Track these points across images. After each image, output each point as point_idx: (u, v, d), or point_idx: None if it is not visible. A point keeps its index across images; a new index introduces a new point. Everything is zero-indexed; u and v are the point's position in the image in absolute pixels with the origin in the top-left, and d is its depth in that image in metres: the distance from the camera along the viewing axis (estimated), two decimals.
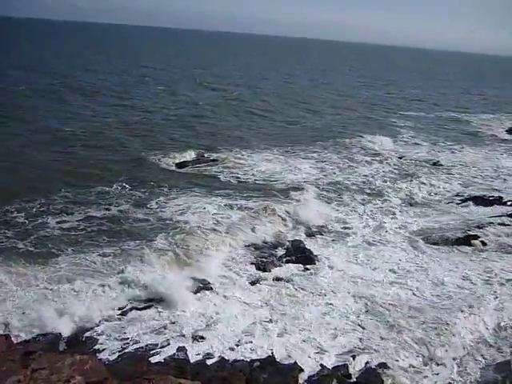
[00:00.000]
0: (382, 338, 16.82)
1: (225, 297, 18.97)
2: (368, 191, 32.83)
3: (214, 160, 37.25)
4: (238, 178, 33.81)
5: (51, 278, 18.83)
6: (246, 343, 16.15)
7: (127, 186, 29.82)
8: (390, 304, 18.95)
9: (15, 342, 14.06)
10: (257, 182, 33.33)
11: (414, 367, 15.48)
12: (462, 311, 18.50)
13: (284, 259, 22.48)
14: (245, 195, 29.91)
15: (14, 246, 21.40)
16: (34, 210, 25.14)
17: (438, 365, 15.65)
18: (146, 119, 50.70)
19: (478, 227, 26.70)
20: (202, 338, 16.24)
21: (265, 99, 70.21)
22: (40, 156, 34.23)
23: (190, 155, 37.85)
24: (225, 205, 27.96)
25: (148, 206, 27.16)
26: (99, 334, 16.15)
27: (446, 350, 16.27)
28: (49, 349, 13.70)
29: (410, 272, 21.79)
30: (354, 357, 15.70)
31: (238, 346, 16.01)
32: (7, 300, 17.10)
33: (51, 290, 18.08)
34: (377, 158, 41.28)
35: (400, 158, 42.23)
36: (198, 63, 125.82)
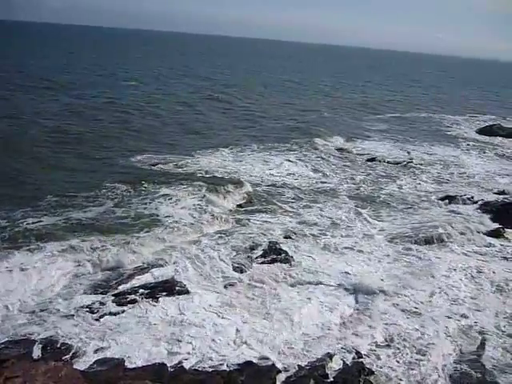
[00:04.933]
0: (357, 337, 17.01)
1: (202, 299, 18.86)
2: (342, 194, 33.05)
3: (181, 161, 37.30)
4: (205, 175, 34.07)
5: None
6: (223, 345, 16.10)
7: (108, 186, 29.75)
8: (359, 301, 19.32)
9: None
10: (226, 179, 33.44)
11: (391, 367, 15.68)
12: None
13: (260, 260, 22.51)
14: (215, 194, 29.95)
15: None
16: (17, 215, 24.56)
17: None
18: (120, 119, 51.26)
19: (451, 225, 27.22)
20: (179, 341, 16.12)
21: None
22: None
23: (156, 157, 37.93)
24: (191, 203, 28.13)
25: (127, 205, 27.17)
26: (74, 340, 15.88)
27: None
28: (22, 356, 13.44)
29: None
30: (330, 356, 15.81)
31: (214, 348, 15.95)
32: None
33: None
34: (348, 164, 41.44)
35: (372, 159, 42.72)
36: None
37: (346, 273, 21.59)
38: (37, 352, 14.99)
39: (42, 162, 34.39)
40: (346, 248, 24.42)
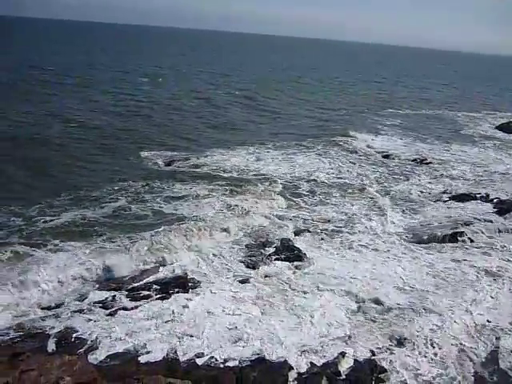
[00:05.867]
0: (371, 335, 16.93)
1: (214, 295, 18.93)
2: (354, 190, 32.91)
3: (199, 157, 37.23)
4: (224, 174, 33.93)
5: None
6: (236, 341, 16.13)
7: (116, 185, 29.78)
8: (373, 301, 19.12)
9: (3, 343, 13.95)
10: (243, 177, 33.43)
11: (402, 363, 15.60)
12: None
13: (273, 257, 22.52)
14: (231, 191, 29.98)
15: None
16: (33, 212, 24.83)
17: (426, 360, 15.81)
18: (134, 115, 51.60)
19: (466, 224, 26.91)
20: (192, 336, 16.20)
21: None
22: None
23: (174, 154, 38.04)
24: (209, 201, 28.11)
25: (142, 202, 27.33)
26: (88, 334, 16.05)
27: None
28: (37, 350, 13.61)
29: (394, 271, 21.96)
30: (343, 354, 15.77)
31: (227, 344, 15.99)
32: None
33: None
34: (364, 159, 41.38)
35: (386, 156, 42.52)
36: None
37: (361, 273, 21.39)
38: (51, 346, 15.18)
39: (57, 158, 34.84)
40: (361, 245, 24.33)
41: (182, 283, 19.58)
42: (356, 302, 19.04)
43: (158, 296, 18.67)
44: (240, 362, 14.98)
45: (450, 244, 24.92)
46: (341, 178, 35.47)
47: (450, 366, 15.59)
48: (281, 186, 32.27)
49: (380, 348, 16.30)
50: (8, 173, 30.54)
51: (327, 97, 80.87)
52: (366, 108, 70.78)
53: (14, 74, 73.78)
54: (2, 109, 47.68)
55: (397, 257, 23.27)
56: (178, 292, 18.96)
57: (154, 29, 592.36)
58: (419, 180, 36.34)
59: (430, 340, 16.67)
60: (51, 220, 23.98)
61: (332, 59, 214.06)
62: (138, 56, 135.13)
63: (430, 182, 35.92)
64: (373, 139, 49.03)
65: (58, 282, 18.80)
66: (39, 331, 15.92)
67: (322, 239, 24.85)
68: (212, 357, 15.21)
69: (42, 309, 17.45)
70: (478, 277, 21.44)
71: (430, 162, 41.29)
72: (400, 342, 16.60)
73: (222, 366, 14.79)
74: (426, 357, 15.93)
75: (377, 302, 19.04)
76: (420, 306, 18.76)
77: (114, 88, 69.11)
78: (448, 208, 30.48)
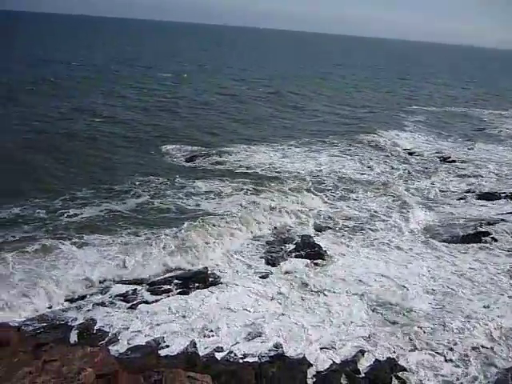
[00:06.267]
0: (391, 334, 16.79)
1: (234, 291, 19.00)
2: (377, 187, 32.64)
3: (222, 154, 37.18)
4: (247, 170, 33.95)
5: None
6: (256, 337, 16.17)
7: (140, 179, 30.11)
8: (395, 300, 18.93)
9: (27, 334, 14.20)
10: (266, 174, 33.32)
11: (422, 363, 15.46)
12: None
13: (293, 254, 22.48)
14: (254, 188, 29.94)
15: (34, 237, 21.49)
16: (56, 206, 25.26)
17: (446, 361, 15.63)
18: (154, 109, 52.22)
19: (489, 224, 26.48)
20: (212, 331, 16.30)
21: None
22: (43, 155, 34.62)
23: (197, 149, 38.14)
24: (232, 197, 28.20)
25: (164, 197, 27.50)
26: (109, 327, 16.27)
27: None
28: (60, 341, 13.82)
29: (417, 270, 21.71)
30: (362, 352, 15.69)
31: (247, 339, 16.04)
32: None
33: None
34: (388, 156, 41.00)
35: (410, 154, 42.09)
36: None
37: (383, 272, 21.17)
38: (73, 337, 15.47)
39: (81, 151, 35.41)
40: (383, 243, 24.13)
41: (203, 278, 19.71)
42: (377, 301, 18.86)
43: (179, 290, 18.83)
44: (259, 358, 15.01)
45: (474, 244, 24.50)
46: (364, 175, 35.28)
47: (471, 367, 15.37)
48: (304, 182, 32.10)
49: (400, 347, 16.16)
50: (33, 165, 31.26)
51: (351, 93, 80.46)
52: (390, 104, 70.23)
53: (42, 68, 75.40)
54: (31, 103, 48.73)
55: (420, 256, 22.99)
56: (198, 287, 19.10)
57: (176, 24, 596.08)
58: (443, 178, 35.87)
59: (453, 341, 16.44)
60: (75, 214, 24.40)
61: (357, 55, 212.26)
62: (160, 51, 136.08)
63: (453, 181, 35.41)
64: (397, 136, 48.55)
65: (84, 275, 19.03)
66: (62, 323, 16.24)
67: (344, 236, 24.72)
68: (231, 352, 15.28)
69: (66, 301, 17.75)
70: (502, 278, 21.07)
71: (454, 161, 40.68)
72: (421, 342, 16.43)
73: (241, 361, 14.84)
74: (447, 358, 15.73)
75: (398, 301, 18.86)
76: (443, 307, 18.56)
77: (137, 83, 70.10)
78: (471, 207, 30.02)
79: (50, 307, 17.19)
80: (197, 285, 19.24)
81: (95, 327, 16.16)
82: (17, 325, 14.76)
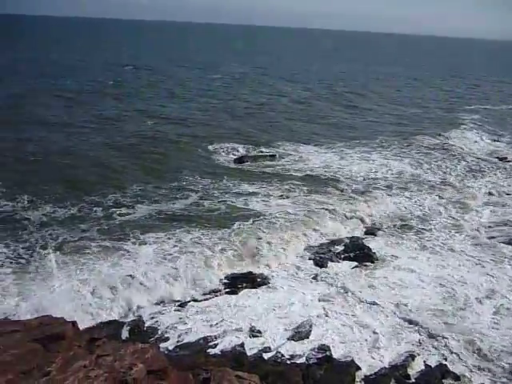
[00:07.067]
0: (443, 340, 16.33)
1: (283, 291, 19.01)
2: (433, 187, 31.80)
3: (272, 155, 37.10)
4: (299, 172, 33.56)
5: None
6: (303, 338, 16.11)
7: (190, 179, 30.55)
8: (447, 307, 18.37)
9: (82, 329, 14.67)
10: (319, 176, 32.93)
11: (471, 370, 14.97)
12: None
13: (342, 256, 22.26)
14: (305, 190, 29.66)
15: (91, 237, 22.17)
16: (109, 203, 26.06)
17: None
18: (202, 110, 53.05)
19: None
20: (259, 331, 16.35)
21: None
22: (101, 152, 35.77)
23: (247, 149, 38.31)
24: (283, 200, 28.03)
25: (213, 198, 27.71)
26: (159, 324, 16.61)
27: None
28: (112, 337, 14.22)
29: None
30: (412, 357, 15.34)
31: (294, 340, 16.00)
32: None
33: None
34: (442, 157, 39.75)
35: (467, 153, 40.82)
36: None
37: (436, 277, 20.50)
38: (125, 333, 15.92)
39: (131, 150, 36.33)
40: (438, 245, 23.51)
41: (251, 278, 19.83)
42: (428, 306, 18.37)
43: (227, 290, 19.01)
44: (307, 359, 14.97)
45: None
46: (420, 176, 34.34)
47: None
48: (357, 184, 31.52)
49: (454, 354, 15.69)
50: (88, 163, 32.46)
51: (405, 91, 79.18)
52: (447, 103, 68.36)
53: (108, 72, 78.78)
54: (97, 104, 51.43)
55: (479, 259, 22.21)
56: (246, 287, 19.21)
57: (219, 26, 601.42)
58: (500, 178, 34.61)
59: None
60: (127, 213, 25.03)
61: (411, 54, 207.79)
62: (207, 53, 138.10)
63: (510, 181, 34.14)
64: (454, 135, 47.10)
65: (133, 272, 19.43)
66: (114, 319, 16.69)
67: (397, 238, 24.22)
68: (278, 352, 15.31)
69: (117, 298, 18.14)
70: None
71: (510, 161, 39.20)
72: (476, 350, 15.86)
73: (288, 362, 14.84)
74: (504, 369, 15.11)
75: (453, 308, 18.28)
76: (502, 317, 17.84)
77: (194, 83, 72.70)
78: None
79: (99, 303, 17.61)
80: (245, 284, 19.38)
81: (146, 325, 16.56)
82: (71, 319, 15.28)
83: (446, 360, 15.30)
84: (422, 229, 25.31)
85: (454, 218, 26.93)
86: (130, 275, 18.85)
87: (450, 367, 14.96)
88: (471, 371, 14.93)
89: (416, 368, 14.90)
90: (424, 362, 15.20)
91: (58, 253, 20.28)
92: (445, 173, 35.30)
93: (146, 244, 21.63)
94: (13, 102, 48.87)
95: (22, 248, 20.72)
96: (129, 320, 16.72)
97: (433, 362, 15.20)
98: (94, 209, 25.19)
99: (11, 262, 19.49)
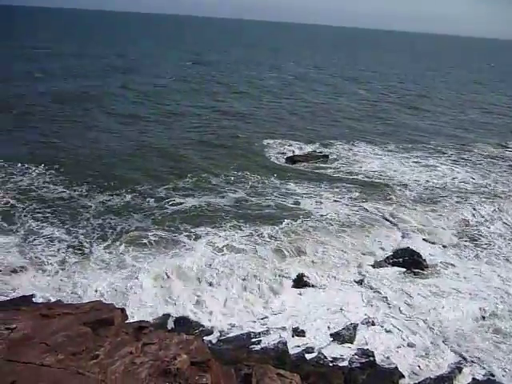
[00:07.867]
0: (493, 355, 15.76)
1: (328, 293, 18.88)
2: (491, 196, 30.62)
3: (325, 156, 36.66)
4: (352, 175, 33.04)
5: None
6: (346, 341, 15.97)
7: (239, 174, 30.87)
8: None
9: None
10: (372, 180, 32.20)
11: None
12: None
13: (391, 261, 21.81)
14: (357, 195, 29.15)
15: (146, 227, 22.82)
16: (161, 194, 26.75)
17: None
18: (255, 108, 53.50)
19: None
20: (303, 331, 16.32)
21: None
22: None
23: (300, 149, 38.09)
24: (334, 201, 27.80)
25: (261, 195, 27.80)
26: (204, 318, 16.83)
27: None
28: (159, 326, 14.57)
29: None
30: (459, 369, 14.90)
31: (337, 342, 15.89)
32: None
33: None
34: (502, 163, 38.37)
35: None
36: None
37: (490, 289, 19.81)
38: (171, 324, 16.31)
39: (188, 143, 37.17)
40: (494, 255, 22.77)
41: (297, 278, 19.69)
42: (478, 318, 17.79)
43: (273, 288, 18.98)
44: (349, 363, 14.82)
45: None
46: (480, 186, 32.78)
47: None
48: (413, 192, 30.48)
49: (503, 369, 15.13)
50: (141, 156, 33.39)
51: (466, 94, 76.51)
52: (488, 110, 65.16)
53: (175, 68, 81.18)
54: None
55: None
56: (291, 287, 19.16)
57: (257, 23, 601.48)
58: None
59: None
60: (179, 203, 25.59)
61: (467, 56, 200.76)
62: (257, 50, 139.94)
63: None
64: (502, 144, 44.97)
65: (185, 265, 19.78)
66: (162, 311, 17.06)
67: (452, 247, 23.51)
68: (321, 353, 15.24)
69: (163, 294, 18.49)
70: None
71: None
72: None
73: (330, 364, 14.74)
74: None
75: (504, 322, 17.62)
76: None
77: (259, 81, 74.42)
78: None
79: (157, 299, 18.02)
80: (292, 284, 19.33)
81: (190, 318, 16.82)
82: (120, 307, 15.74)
83: (493, 376, 14.77)
84: (480, 240, 24.43)
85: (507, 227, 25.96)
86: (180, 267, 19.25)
87: (499, 382, 14.44)
88: None
89: (463, 381, 14.48)
90: (472, 375, 14.72)
91: (117, 243, 21.02)
92: (504, 183, 33.70)
93: (199, 238, 21.98)
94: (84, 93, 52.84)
95: (81, 234, 21.60)
96: (174, 314, 17.02)
97: (481, 376, 14.72)
98: (150, 198, 25.94)
99: (74, 252, 20.25)
